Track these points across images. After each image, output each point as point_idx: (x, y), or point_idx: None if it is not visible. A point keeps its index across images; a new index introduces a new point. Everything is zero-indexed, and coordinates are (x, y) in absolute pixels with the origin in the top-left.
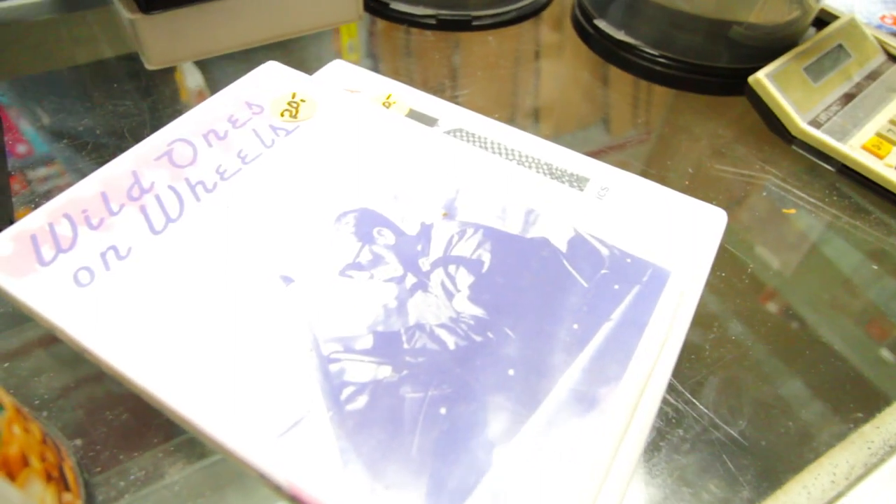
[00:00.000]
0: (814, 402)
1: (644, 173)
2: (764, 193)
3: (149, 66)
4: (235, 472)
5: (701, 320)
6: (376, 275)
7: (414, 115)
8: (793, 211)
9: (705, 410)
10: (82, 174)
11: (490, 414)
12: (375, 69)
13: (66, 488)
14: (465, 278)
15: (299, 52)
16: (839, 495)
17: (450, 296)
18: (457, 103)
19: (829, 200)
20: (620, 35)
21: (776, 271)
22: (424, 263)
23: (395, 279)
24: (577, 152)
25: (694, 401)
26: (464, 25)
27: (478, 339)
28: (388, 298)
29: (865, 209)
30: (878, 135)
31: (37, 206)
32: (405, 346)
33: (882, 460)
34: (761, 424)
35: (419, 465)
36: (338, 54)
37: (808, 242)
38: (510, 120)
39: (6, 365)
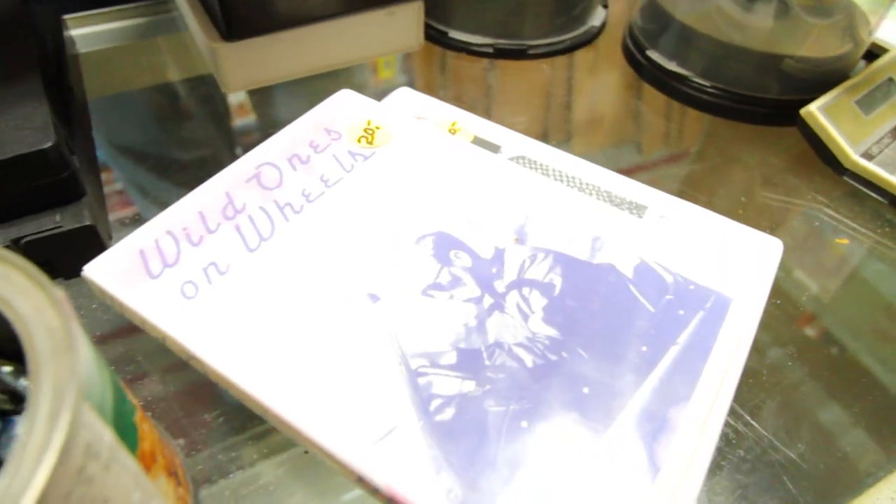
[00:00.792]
0: (871, 427)
1: (697, 201)
2: (816, 223)
3: (225, 91)
4: (326, 473)
5: (757, 346)
6: (456, 295)
7: (478, 141)
8: (845, 241)
9: (764, 432)
10: (168, 193)
11: (567, 429)
12: (435, 95)
13: (179, 484)
14: (538, 300)
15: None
16: None
17: (525, 317)
18: (516, 130)
19: (881, 231)
20: (672, 66)
21: (830, 299)
22: (500, 285)
23: (473, 300)
24: (634, 180)
25: (753, 423)
26: (519, 54)
27: (553, 358)
28: (468, 317)
29: None
30: None
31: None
32: (486, 362)
33: None
34: (819, 447)
35: (504, 475)
36: (374, 71)
37: (860, 272)
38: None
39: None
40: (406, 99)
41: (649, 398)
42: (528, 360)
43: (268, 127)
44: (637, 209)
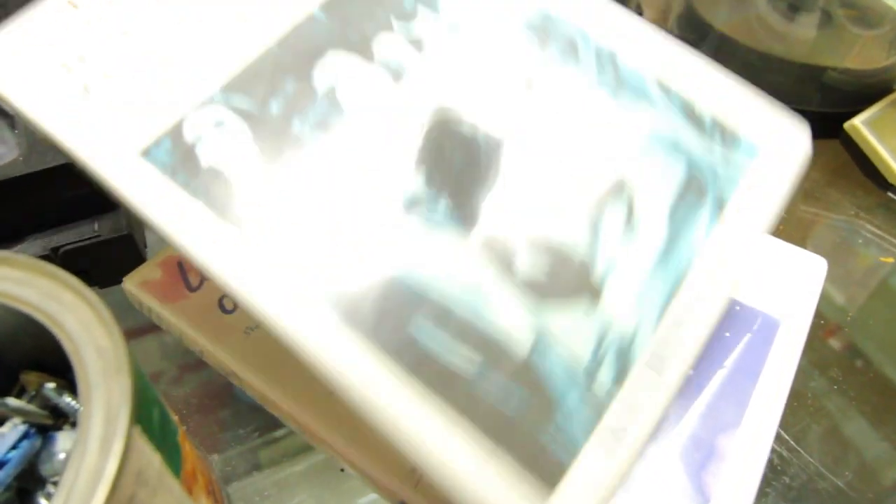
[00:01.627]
0: None
1: None
2: (860, 240)
3: None
4: (361, 490)
5: (801, 368)
6: None
7: None
8: (890, 259)
9: (810, 459)
10: None
11: None
12: None
13: (217, 501)
14: None
15: None
16: None
17: None
18: None
19: None
20: None
21: (875, 321)
22: None
23: None
24: None
25: (798, 449)
26: None
27: None
28: None
29: None
30: None
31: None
32: None
33: None
34: (868, 476)
35: None
36: None
37: None
38: None
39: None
40: None
41: (697, 424)
42: None
43: None
44: None
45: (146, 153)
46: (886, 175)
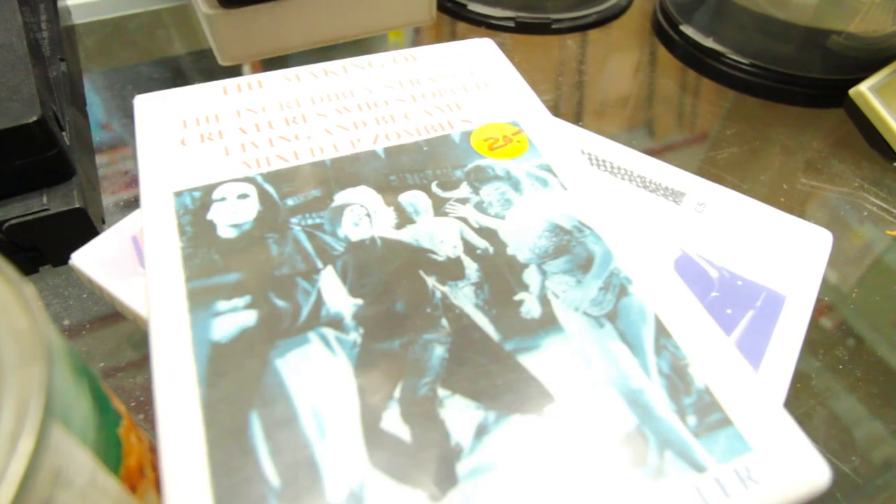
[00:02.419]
0: None
1: (736, 188)
2: (864, 213)
3: (222, 63)
4: None
5: (805, 347)
6: None
7: None
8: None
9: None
10: None
11: None
12: None
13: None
14: None
15: (354, 46)
16: None
17: None
18: None
19: None
20: (708, 42)
21: (881, 296)
22: None
23: None
24: (670, 164)
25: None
26: (542, 29)
27: None
28: None
29: None
30: None
31: (126, 206)
32: None
33: None
34: (876, 461)
35: None
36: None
37: None
38: (590, 128)
39: (101, 365)
40: None
41: None
42: None
43: None
44: (674, 196)
45: (178, 195)
46: (893, 145)
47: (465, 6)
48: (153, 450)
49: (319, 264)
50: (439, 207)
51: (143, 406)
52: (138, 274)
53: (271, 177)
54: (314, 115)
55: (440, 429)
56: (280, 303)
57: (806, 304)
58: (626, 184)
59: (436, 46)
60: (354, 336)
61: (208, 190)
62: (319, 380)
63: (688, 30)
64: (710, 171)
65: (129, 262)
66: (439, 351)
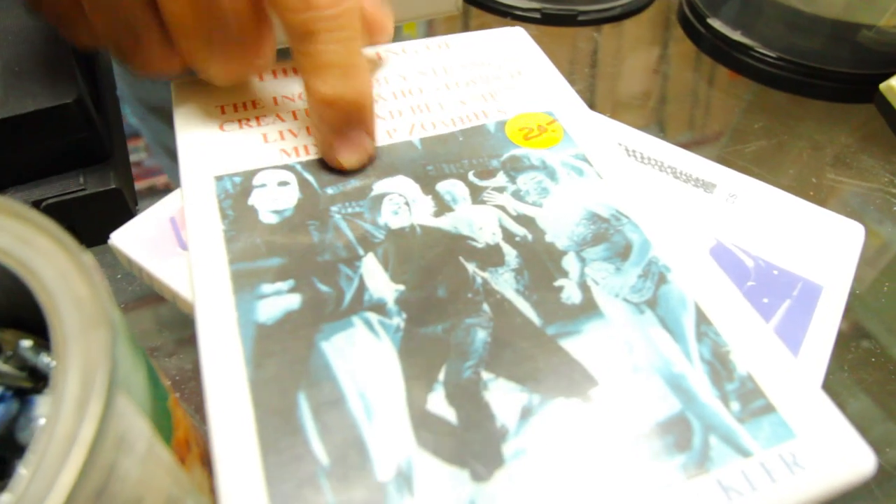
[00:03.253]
0: None
1: (765, 181)
2: (894, 207)
3: None
4: None
5: (837, 339)
6: None
7: None
8: None
9: None
10: None
11: None
12: None
13: (212, 474)
14: None
15: None
16: None
17: None
18: None
19: None
20: (736, 35)
21: None
22: None
23: None
24: (701, 156)
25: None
26: (569, 20)
27: None
28: None
29: None
30: None
31: (153, 194)
32: None
33: None
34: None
35: None
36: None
37: None
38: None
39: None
40: None
41: None
42: None
43: None
44: (705, 187)
45: (219, 179)
46: None
47: None
48: (195, 426)
49: (361, 251)
50: (477, 196)
51: (179, 385)
52: (177, 254)
53: (310, 165)
54: None
55: (485, 411)
56: (323, 288)
57: (841, 295)
58: (657, 173)
59: (468, 34)
60: (398, 321)
61: (248, 176)
62: (364, 362)
63: (715, 23)
64: (738, 163)
65: (168, 242)
66: (482, 335)
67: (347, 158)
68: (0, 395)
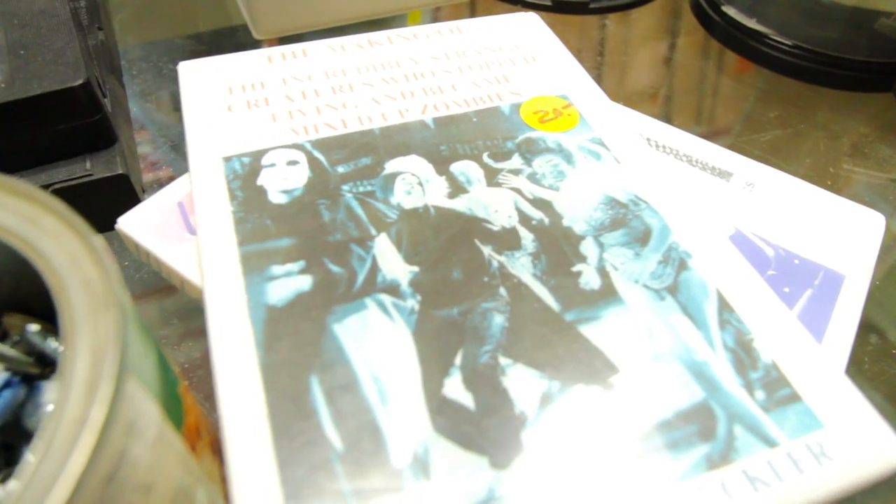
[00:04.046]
0: None
1: (782, 170)
2: None
3: (257, 36)
4: None
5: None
6: None
7: None
8: None
9: None
10: None
11: None
12: None
13: (222, 462)
14: None
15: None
16: None
17: None
18: None
19: None
20: (751, 23)
21: None
22: None
23: None
24: (717, 145)
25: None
26: (580, 8)
27: None
28: None
29: None
30: None
31: (158, 184)
32: None
33: None
34: None
35: None
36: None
37: None
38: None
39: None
40: None
41: None
42: None
43: None
44: (721, 175)
45: (227, 160)
46: None
47: None
48: (205, 415)
49: (373, 231)
50: (492, 178)
51: (188, 374)
52: (185, 240)
53: (320, 144)
54: (360, 85)
55: (504, 397)
56: (335, 268)
57: (863, 284)
58: (673, 161)
59: (481, 19)
60: (412, 303)
61: (257, 156)
62: (378, 345)
63: (730, 10)
64: (753, 152)
65: (176, 227)
66: (499, 320)
67: None
68: (7, 380)
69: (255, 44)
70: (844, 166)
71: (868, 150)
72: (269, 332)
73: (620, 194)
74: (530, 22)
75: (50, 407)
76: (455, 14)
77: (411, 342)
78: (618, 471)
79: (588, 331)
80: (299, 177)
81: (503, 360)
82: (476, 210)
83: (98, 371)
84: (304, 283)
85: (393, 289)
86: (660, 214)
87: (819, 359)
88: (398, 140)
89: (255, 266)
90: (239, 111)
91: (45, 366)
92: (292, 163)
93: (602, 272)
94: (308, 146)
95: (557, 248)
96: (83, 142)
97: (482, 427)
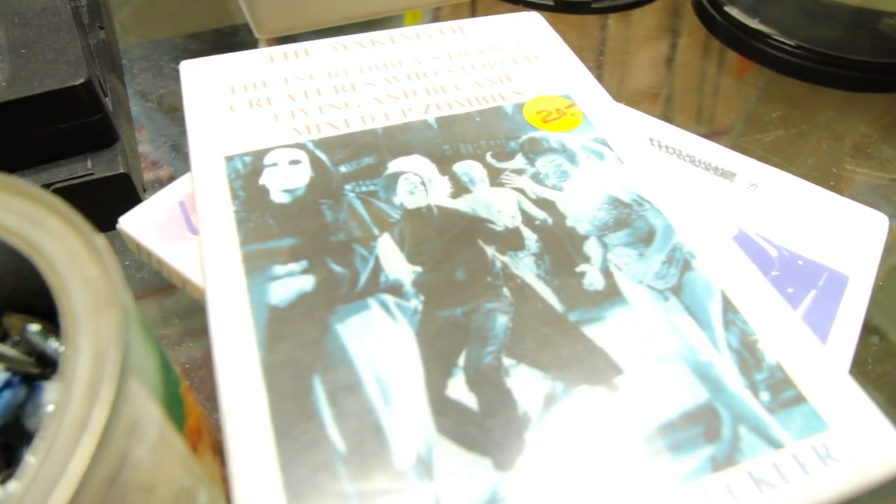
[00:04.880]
0: None
1: (785, 171)
2: None
3: (258, 35)
4: None
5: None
6: None
7: None
8: None
9: None
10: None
11: None
12: None
13: (223, 463)
14: None
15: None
16: None
17: None
18: None
19: None
20: (754, 23)
21: None
22: None
23: None
24: (720, 145)
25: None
26: (582, 8)
27: None
28: None
29: None
30: None
31: (159, 185)
32: None
33: None
34: None
35: None
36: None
37: None
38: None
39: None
40: None
41: None
42: None
43: None
44: (724, 176)
45: (229, 159)
46: None
47: None
48: (206, 416)
49: (376, 231)
50: (495, 178)
51: (189, 374)
52: (186, 239)
53: (322, 143)
54: (363, 84)
55: (507, 398)
56: (337, 268)
57: (866, 285)
58: (676, 161)
59: (483, 19)
60: (415, 303)
61: (259, 155)
62: (381, 346)
63: (732, 10)
64: (756, 153)
65: (178, 227)
66: (502, 320)
67: None
68: (7, 380)
69: (256, 43)
70: (847, 167)
71: (871, 150)
72: (271, 333)
73: (624, 194)
74: (533, 21)
75: (51, 407)
76: (455, 14)
77: (414, 343)
78: (622, 472)
79: (592, 331)
80: (301, 176)
81: (507, 361)
82: (479, 210)
83: (99, 371)
84: (307, 282)
85: (396, 289)
86: (663, 215)
87: (824, 360)
88: (401, 140)
89: (257, 266)
90: (241, 110)
91: (46, 366)
92: (294, 162)
93: (606, 272)
94: (310, 146)
95: (561, 248)
96: (84, 141)
97: (486, 428)
